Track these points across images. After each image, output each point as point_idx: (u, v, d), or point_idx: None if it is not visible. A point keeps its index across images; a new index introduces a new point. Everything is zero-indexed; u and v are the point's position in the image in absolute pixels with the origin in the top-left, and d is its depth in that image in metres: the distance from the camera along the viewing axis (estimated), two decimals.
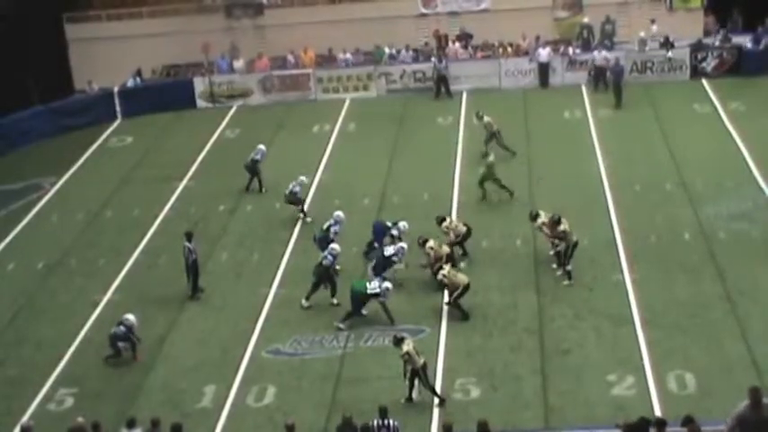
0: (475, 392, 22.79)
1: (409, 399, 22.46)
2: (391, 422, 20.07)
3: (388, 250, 27.38)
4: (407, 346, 22.42)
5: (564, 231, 26.91)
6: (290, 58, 44.53)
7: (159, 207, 33.94)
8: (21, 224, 33.92)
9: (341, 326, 25.55)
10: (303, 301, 26.82)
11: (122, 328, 25.30)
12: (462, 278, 25.75)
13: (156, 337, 26.27)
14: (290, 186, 31.73)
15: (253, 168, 34.34)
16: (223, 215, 32.78)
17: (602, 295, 26.19)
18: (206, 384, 23.74)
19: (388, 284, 25.81)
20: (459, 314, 25.55)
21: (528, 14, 44.35)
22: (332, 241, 27.79)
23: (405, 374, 22.46)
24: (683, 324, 24.58)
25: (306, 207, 32.21)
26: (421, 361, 22.32)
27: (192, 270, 27.89)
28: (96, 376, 24.68)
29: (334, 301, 26.70)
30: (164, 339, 26.16)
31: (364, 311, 25.68)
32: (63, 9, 46.85)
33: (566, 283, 26.86)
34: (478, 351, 24.29)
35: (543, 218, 27.79)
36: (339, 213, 29.10)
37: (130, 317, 25.41)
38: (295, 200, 31.76)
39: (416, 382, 22.40)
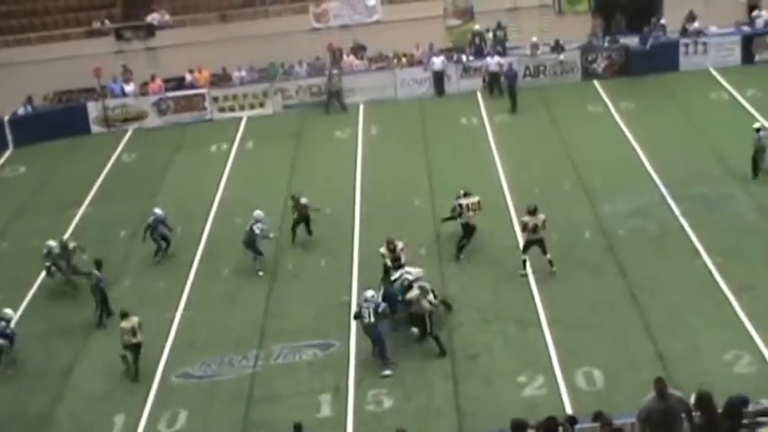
0: (388, 403, 22.83)
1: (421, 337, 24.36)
2: None
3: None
4: (414, 291, 24.20)
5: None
6: (189, 77, 44.20)
7: (58, 235, 33.26)
8: None
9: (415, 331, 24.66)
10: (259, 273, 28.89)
11: (2, 323, 25.16)
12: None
13: (63, 367, 25.84)
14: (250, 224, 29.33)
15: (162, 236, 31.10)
16: (124, 241, 32.36)
17: (507, 298, 26.44)
18: (116, 413, 23.39)
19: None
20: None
21: (420, 24, 44.65)
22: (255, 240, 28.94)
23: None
24: (588, 321, 24.93)
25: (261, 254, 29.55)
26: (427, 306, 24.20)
27: (101, 297, 27.50)
28: (2, 410, 24.14)
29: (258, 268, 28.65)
30: (70, 369, 25.74)
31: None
32: None
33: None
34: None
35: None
36: (258, 212, 29.37)
37: (8, 311, 25.70)
38: (252, 243, 29.27)
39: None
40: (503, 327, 25.18)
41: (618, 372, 22.71)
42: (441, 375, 23.53)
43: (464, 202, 28.45)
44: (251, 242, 29.11)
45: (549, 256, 27.15)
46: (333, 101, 42.48)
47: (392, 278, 26.02)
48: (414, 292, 24.35)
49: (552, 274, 27.10)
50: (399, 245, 26.84)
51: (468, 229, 28.49)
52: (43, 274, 30.18)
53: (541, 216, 27.21)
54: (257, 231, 29.01)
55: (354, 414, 22.52)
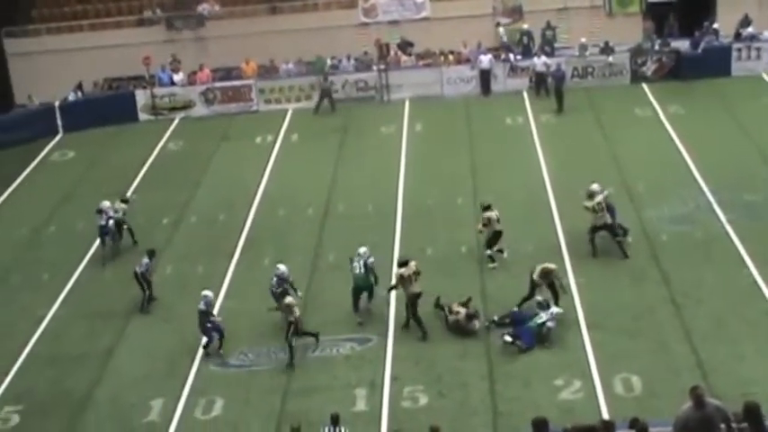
0: (423, 400, 22.80)
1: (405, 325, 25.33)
2: (343, 430, 20.07)
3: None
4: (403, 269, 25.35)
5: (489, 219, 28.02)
6: (273, 64, 44.63)
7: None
8: None
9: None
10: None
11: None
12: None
13: (104, 349, 26.09)
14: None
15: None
16: (167, 228, 32.56)
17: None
18: (154, 398, 23.55)
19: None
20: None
21: (469, 22, 44.58)
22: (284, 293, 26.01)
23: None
24: (628, 327, 24.77)
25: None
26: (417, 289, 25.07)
27: (146, 284, 27.74)
28: (42, 392, 24.40)
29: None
30: (111, 352, 25.96)
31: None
32: (2, 23, 46.34)
33: (490, 266, 27.87)
34: (426, 358, 24.30)
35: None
36: (282, 267, 26.55)
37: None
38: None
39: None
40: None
41: (657, 379, 22.56)
42: (477, 375, 23.49)
43: (491, 214, 28.31)
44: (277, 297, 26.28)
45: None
46: (324, 100, 42.52)
47: None
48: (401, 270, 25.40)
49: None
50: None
51: (495, 236, 28.39)
52: (90, 253, 30.54)
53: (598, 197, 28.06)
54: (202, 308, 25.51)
55: (389, 410, 22.52)
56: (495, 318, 25.19)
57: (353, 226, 31.36)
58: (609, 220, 28.25)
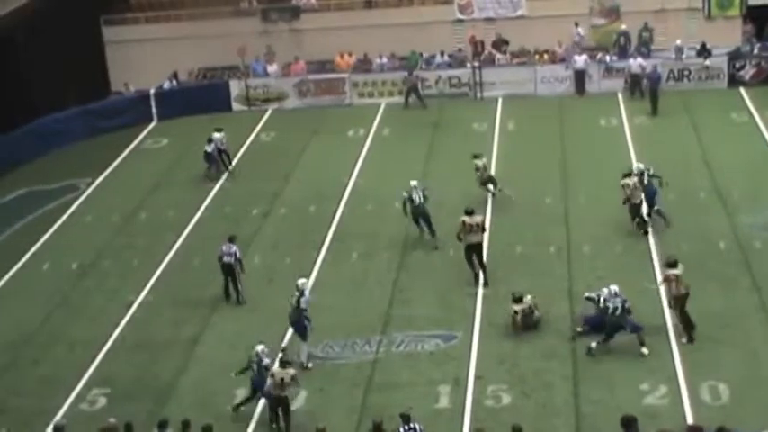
0: (506, 399, 22.70)
1: None
2: (417, 426, 20.07)
3: None
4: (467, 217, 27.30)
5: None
6: (354, 58, 44.90)
7: (194, 209, 34.08)
8: (56, 224, 34.19)
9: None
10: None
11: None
12: None
13: (190, 337, 26.41)
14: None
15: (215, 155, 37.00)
16: (256, 218, 32.84)
17: (635, 304, 25.94)
18: (237, 386, 23.74)
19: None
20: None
21: (565, 21, 44.16)
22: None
23: None
24: (717, 334, 24.37)
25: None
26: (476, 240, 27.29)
27: (232, 274, 27.91)
28: (129, 377, 24.77)
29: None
30: (197, 340, 26.27)
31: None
32: (101, 11, 47.11)
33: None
34: (510, 358, 24.20)
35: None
36: (303, 280, 25.48)
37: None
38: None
39: None
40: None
41: (744, 388, 22.17)
42: (561, 376, 23.32)
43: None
44: (294, 323, 25.07)
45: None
46: (411, 95, 42.50)
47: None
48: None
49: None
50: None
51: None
52: (180, 241, 30.97)
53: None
54: (303, 306, 24.76)
55: (472, 408, 22.45)
56: (579, 329, 24.91)
57: (443, 221, 31.28)
58: (637, 201, 29.43)
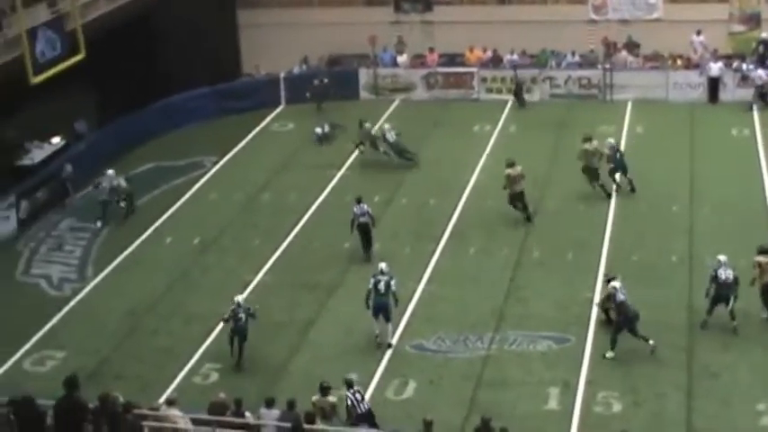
0: (617, 407, 22.41)
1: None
2: (361, 390, 21.17)
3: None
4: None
5: None
6: (489, 54, 44.70)
7: (316, 193, 34.38)
8: (181, 200, 34.86)
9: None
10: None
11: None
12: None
13: (304, 320, 26.66)
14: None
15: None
16: (378, 207, 32.96)
17: (755, 320, 25.39)
18: (347, 372, 23.87)
19: None
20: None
21: (701, 27, 43.23)
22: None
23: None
24: None
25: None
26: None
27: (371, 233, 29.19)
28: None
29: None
30: (311, 324, 26.51)
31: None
32: None
33: None
34: (623, 365, 23.85)
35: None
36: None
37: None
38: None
39: None
40: (748, 349, 24.21)
41: None
42: (674, 387, 22.91)
43: None
44: (385, 305, 25.15)
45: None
46: (520, 94, 42.38)
47: None
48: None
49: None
50: None
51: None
52: (302, 224, 31.37)
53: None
54: (394, 288, 25.29)
55: (581, 412, 22.22)
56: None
57: (563, 223, 31.10)
58: (595, 166, 32.30)
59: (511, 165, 31.21)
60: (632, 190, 32.94)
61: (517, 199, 31.08)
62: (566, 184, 33.68)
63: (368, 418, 20.84)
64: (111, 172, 34.09)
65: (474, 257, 29.68)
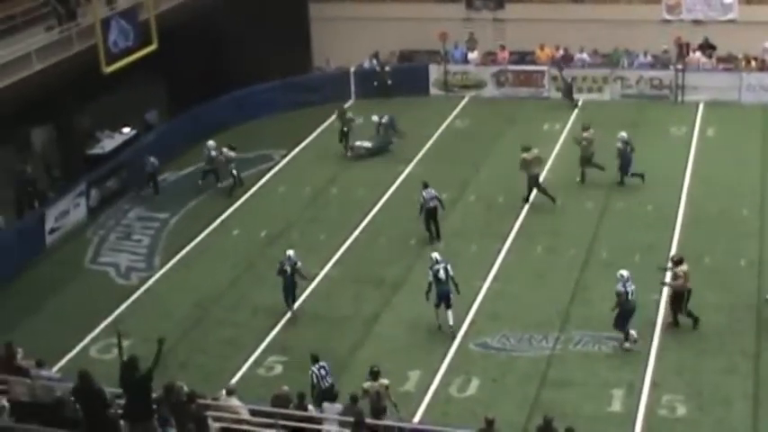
0: (681, 411, 22.21)
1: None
2: (326, 365, 21.67)
3: None
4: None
5: None
6: (560, 52, 44.55)
7: (384, 189, 34.45)
8: (249, 192, 35.13)
9: None
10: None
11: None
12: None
13: (369, 315, 26.76)
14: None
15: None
16: (446, 203, 32.87)
17: None
18: (411, 368, 23.97)
19: None
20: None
21: None
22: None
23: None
24: None
25: None
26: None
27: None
28: (306, 348, 24.97)
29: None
30: (376, 318, 26.59)
31: None
32: None
33: None
34: (689, 369, 23.65)
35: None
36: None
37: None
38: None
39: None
40: None
41: None
42: (741, 394, 22.64)
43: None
44: (448, 293, 25.69)
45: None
46: (569, 94, 42.20)
47: None
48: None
49: None
50: None
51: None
52: (368, 219, 31.42)
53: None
54: (452, 273, 25.66)
55: (645, 415, 22.05)
56: None
57: (630, 224, 30.85)
58: (588, 154, 33.54)
59: (527, 149, 32.14)
60: (621, 183, 33.45)
61: (535, 181, 32.05)
62: (634, 184, 33.40)
63: (329, 393, 21.36)
64: (211, 143, 35.31)
65: (541, 256, 29.59)
